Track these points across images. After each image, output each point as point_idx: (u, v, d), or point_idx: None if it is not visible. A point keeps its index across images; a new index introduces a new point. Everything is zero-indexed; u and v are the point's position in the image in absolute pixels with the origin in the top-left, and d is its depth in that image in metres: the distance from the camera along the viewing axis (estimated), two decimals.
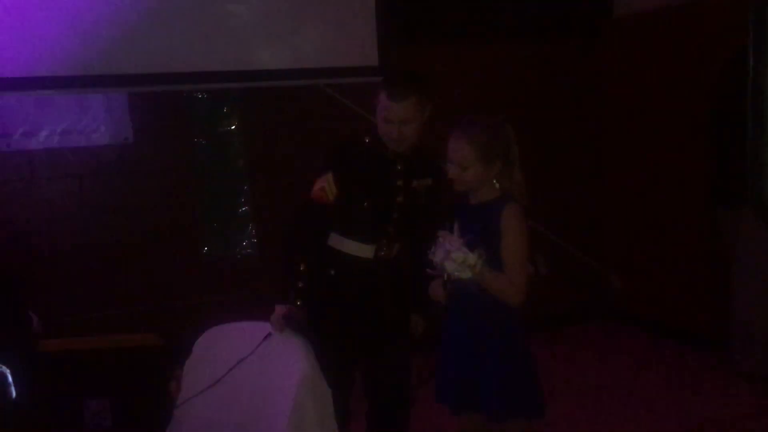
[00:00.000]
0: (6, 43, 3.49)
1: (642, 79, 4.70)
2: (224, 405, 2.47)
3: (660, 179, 4.64)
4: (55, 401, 2.74)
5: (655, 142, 4.64)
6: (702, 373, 4.14)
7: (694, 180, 4.36)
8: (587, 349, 4.64)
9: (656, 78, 4.58)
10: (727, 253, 4.04)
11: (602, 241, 5.11)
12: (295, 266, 2.44)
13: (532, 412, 2.31)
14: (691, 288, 4.50)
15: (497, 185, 2.28)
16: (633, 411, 3.70)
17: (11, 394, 2.35)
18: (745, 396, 3.82)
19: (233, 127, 4.25)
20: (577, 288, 5.02)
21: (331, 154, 2.53)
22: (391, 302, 2.59)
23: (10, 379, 2.34)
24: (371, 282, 2.55)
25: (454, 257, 2.13)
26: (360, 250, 2.53)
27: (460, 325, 2.32)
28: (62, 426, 2.73)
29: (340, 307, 2.55)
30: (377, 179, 2.49)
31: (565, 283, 4.88)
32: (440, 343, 2.38)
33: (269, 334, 2.44)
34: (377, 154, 2.48)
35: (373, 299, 2.56)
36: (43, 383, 2.72)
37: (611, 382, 4.10)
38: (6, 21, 3.48)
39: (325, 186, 2.46)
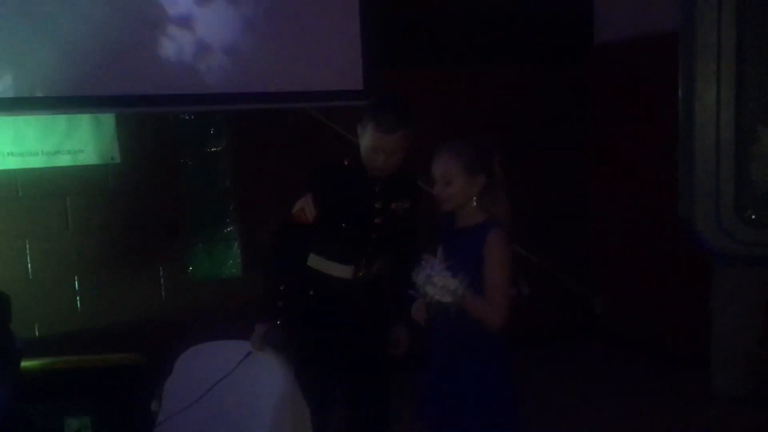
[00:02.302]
0: None
1: (625, 105, 4.79)
2: (204, 423, 2.49)
3: (643, 203, 4.71)
4: (36, 419, 2.76)
5: (639, 166, 4.72)
6: (682, 392, 4.18)
7: (676, 202, 4.42)
8: (568, 369, 4.67)
9: (639, 104, 4.66)
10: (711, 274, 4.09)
11: (585, 263, 5.16)
12: (274, 286, 2.48)
13: None
14: (672, 308, 4.55)
15: (475, 204, 2.30)
16: (613, 430, 3.73)
17: None
18: (723, 416, 3.85)
19: (220, 148, 4.29)
20: (559, 309, 5.06)
21: (311, 175, 2.58)
22: (369, 322, 2.63)
23: None
24: (350, 302, 2.59)
25: (435, 281, 2.17)
26: (339, 270, 2.57)
27: (442, 345, 2.36)
28: None
29: (320, 327, 2.58)
30: (356, 201, 2.54)
31: (547, 304, 4.92)
32: (422, 361, 2.42)
33: (249, 353, 2.48)
34: (356, 176, 2.53)
35: (352, 319, 2.60)
36: (24, 401, 2.73)
37: (592, 401, 4.13)
38: None
39: (305, 207, 2.50)
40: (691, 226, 0.79)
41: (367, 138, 2.45)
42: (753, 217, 0.78)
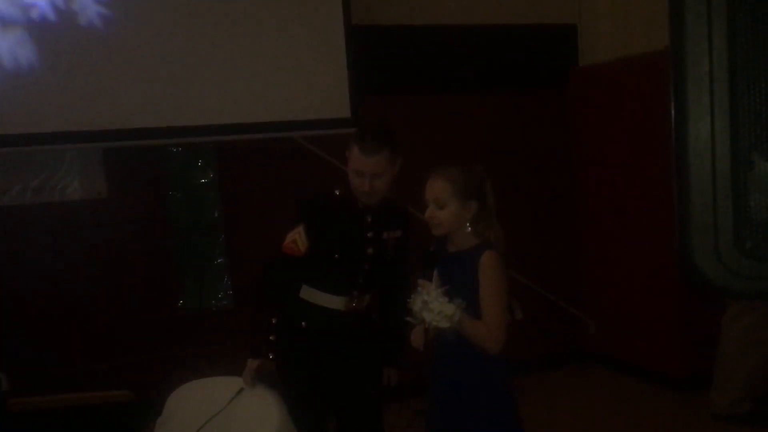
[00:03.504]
0: None
1: (611, 126, 4.80)
2: None
3: (632, 223, 4.71)
4: None
5: (626, 187, 4.73)
6: (677, 414, 4.16)
7: (667, 224, 4.43)
8: (562, 391, 4.64)
9: (625, 124, 4.68)
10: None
11: (577, 286, 5.14)
12: (266, 319, 2.45)
13: None
14: (666, 330, 4.54)
15: (469, 229, 2.30)
16: None
17: None
18: None
19: (208, 180, 4.27)
20: (552, 331, 5.04)
21: (302, 206, 2.56)
22: (362, 353, 2.60)
23: None
24: (342, 334, 2.56)
25: (432, 307, 2.16)
26: (331, 301, 2.55)
27: (442, 371, 2.35)
28: None
29: (312, 360, 2.55)
30: (348, 231, 2.52)
31: (540, 327, 4.89)
32: (419, 389, 2.41)
33: (241, 390, 2.44)
34: (347, 206, 2.52)
35: (345, 351, 2.57)
36: None
37: (587, 423, 4.10)
38: None
39: (297, 238, 2.48)
40: (689, 261, 0.77)
41: (352, 162, 2.45)
42: (752, 248, 0.77)
